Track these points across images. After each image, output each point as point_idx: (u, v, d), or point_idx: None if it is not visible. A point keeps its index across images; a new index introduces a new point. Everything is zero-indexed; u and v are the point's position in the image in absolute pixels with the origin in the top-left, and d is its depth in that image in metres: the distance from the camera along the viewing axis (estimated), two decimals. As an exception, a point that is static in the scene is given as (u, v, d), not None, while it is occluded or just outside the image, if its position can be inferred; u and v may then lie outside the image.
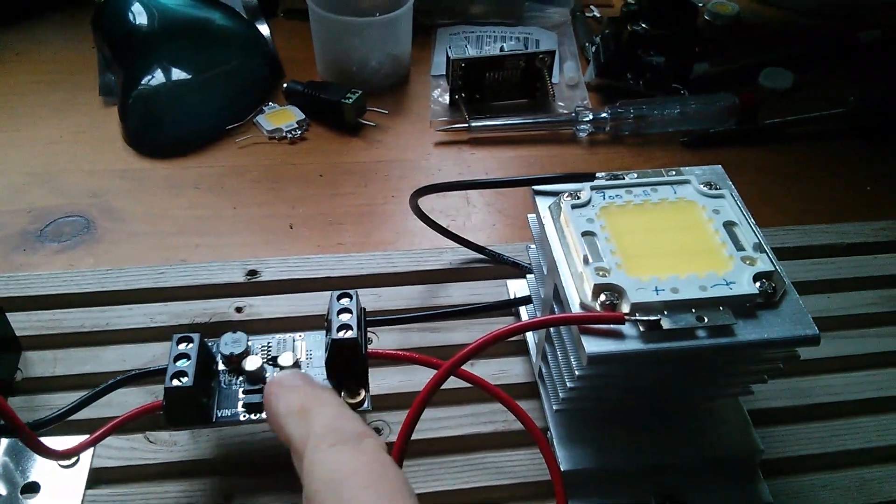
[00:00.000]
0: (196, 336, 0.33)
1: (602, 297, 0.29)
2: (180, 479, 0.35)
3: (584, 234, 0.32)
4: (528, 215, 0.37)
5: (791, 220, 0.51)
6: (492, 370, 0.38)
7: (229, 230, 0.51)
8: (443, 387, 0.31)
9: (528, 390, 0.38)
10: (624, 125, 0.58)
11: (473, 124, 0.58)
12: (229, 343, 0.35)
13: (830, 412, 0.38)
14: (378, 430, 0.37)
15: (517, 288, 0.42)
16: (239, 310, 0.41)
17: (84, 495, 0.34)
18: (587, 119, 0.57)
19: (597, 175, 0.35)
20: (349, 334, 0.33)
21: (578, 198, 0.33)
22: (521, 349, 0.40)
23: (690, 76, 0.61)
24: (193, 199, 0.53)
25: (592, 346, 0.29)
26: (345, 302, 0.35)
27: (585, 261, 0.30)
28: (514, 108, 0.61)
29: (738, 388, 0.34)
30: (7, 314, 0.39)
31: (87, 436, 0.33)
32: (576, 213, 0.32)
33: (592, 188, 0.34)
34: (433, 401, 0.31)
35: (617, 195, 0.34)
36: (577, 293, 0.30)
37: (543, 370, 0.36)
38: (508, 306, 0.40)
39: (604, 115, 0.57)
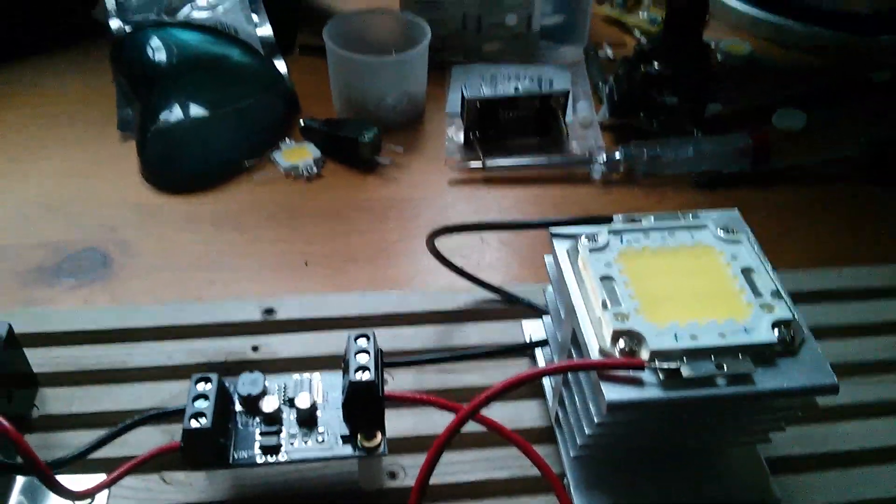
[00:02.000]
0: (214, 376, 0.33)
1: (621, 343, 0.29)
2: (195, 520, 0.34)
3: (603, 278, 0.32)
4: (546, 256, 0.37)
5: (804, 262, 0.51)
6: (507, 413, 0.38)
7: (245, 266, 0.51)
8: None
9: (544, 435, 0.38)
10: (637, 165, 0.58)
11: (488, 164, 0.58)
12: (246, 383, 0.35)
13: (848, 460, 0.38)
14: (393, 475, 0.36)
15: (533, 329, 0.42)
16: (255, 349, 0.41)
17: (99, 536, 0.34)
18: (601, 161, 0.58)
19: (614, 218, 0.35)
20: (366, 376, 0.33)
21: (596, 241, 0.34)
22: (537, 392, 0.40)
23: (704, 116, 0.62)
24: (209, 234, 0.54)
25: (612, 393, 0.29)
26: (362, 343, 0.35)
27: (604, 305, 0.31)
28: (528, 146, 0.61)
29: (757, 435, 0.34)
30: (24, 349, 0.39)
31: (104, 475, 0.33)
32: (594, 257, 0.33)
33: (610, 231, 0.34)
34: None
35: (635, 239, 0.34)
36: (596, 338, 0.30)
37: (560, 415, 0.36)
38: (524, 349, 0.40)
39: (617, 155, 0.58)
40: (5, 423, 0.29)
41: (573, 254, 0.34)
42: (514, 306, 0.44)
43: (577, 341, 0.32)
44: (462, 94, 0.59)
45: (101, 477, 0.33)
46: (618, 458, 0.35)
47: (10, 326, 0.37)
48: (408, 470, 0.36)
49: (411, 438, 0.37)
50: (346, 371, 0.34)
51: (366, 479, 0.36)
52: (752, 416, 0.32)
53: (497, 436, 0.34)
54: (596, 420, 0.30)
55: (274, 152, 0.60)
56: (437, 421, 0.38)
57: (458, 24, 0.69)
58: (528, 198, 0.57)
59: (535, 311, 0.43)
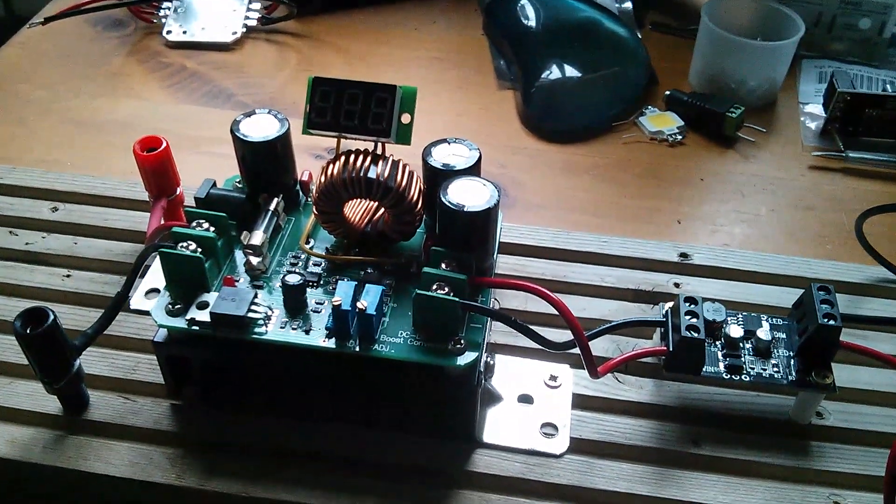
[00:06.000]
0: (699, 298, 0.39)
1: None
2: (649, 418, 0.40)
3: None
4: None
5: None
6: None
7: (622, 216, 0.56)
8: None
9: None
10: None
11: (851, 155, 0.61)
12: (711, 310, 0.40)
13: None
14: (820, 415, 0.41)
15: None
16: (677, 285, 0.46)
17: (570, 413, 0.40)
18: (970, 167, 0.59)
19: None
20: (832, 322, 0.38)
21: None
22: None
23: None
24: (587, 182, 0.59)
25: None
26: (823, 294, 0.39)
27: None
28: (884, 146, 0.63)
29: None
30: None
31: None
32: None
33: None
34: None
35: None
36: None
37: None
38: None
39: None
40: (555, 297, 0.36)
41: None
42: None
43: None
44: (833, 84, 0.62)
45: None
46: None
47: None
48: (832, 413, 0.41)
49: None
50: (803, 316, 0.39)
51: (799, 413, 0.40)
52: None
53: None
54: None
55: (639, 117, 0.65)
56: (856, 377, 0.42)
57: (812, 21, 0.71)
58: (887, 194, 0.59)
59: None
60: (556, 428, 0.40)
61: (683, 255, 0.48)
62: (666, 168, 0.61)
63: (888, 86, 0.64)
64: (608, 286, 0.46)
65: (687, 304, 0.39)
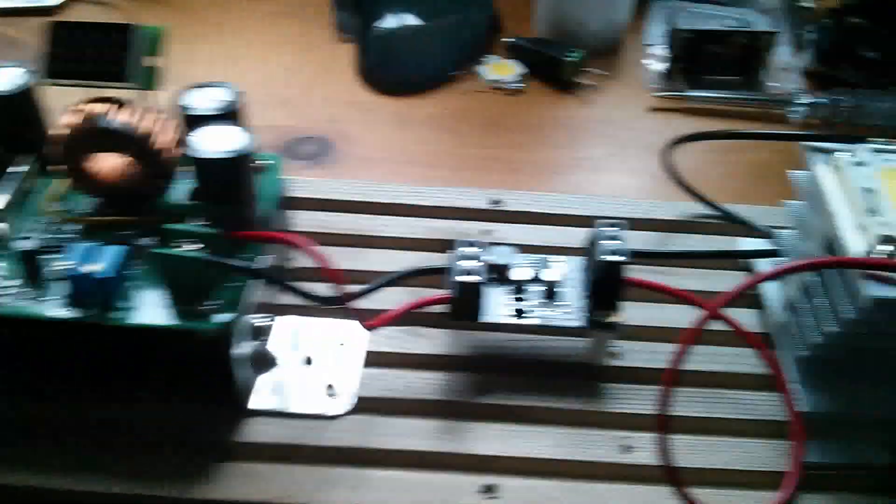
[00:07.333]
0: (480, 242, 0.37)
1: (890, 248, 0.31)
2: (441, 369, 0.38)
3: (865, 189, 0.33)
4: (790, 173, 0.38)
5: None
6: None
7: (457, 166, 0.54)
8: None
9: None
10: (839, 113, 0.58)
11: (690, 94, 0.59)
12: (496, 254, 0.38)
13: None
14: (613, 355, 0.39)
15: (749, 246, 0.44)
16: (487, 233, 0.44)
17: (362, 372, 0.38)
18: (805, 102, 0.58)
19: (868, 139, 0.36)
20: (615, 258, 0.36)
21: (855, 156, 0.35)
22: (751, 304, 0.41)
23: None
24: (422, 134, 0.57)
25: (875, 290, 0.30)
26: (612, 231, 0.37)
27: (871, 212, 0.32)
28: (728, 83, 0.62)
29: None
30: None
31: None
32: (856, 170, 0.34)
33: (871, 150, 0.35)
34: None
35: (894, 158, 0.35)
36: (857, 244, 0.32)
37: (789, 318, 0.38)
38: (758, 256, 0.42)
39: (823, 100, 0.58)
40: (312, 249, 0.33)
41: (832, 166, 0.35)
42: (730, 224, 0.45)
43: (833, 250, 0.34)
44: (675, 24, 0.61)
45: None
46: (845, 365, 0.36)
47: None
48: (626, 353, 0.39)
49: (640, 328, 0.40)
50: (593, 253, 0.37)
51: (591, 355, 0.39)
52: None
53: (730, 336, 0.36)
54: (853, 316, 0.32)
55: (479, 66, 0.62)
56: (653, 314, 0.41)
57: (661, -40, 0.69)
58: (726, 132, 0.58)
59: (751, 232, 0.44)
60: (339, 388, 0.37)
61: (496, 201, 0.46)
62: (504, 117, 0.59)
63: (732, 22, 0.63)
64: (416, 237, 0.44)
65: (464, 249, 0.36)
